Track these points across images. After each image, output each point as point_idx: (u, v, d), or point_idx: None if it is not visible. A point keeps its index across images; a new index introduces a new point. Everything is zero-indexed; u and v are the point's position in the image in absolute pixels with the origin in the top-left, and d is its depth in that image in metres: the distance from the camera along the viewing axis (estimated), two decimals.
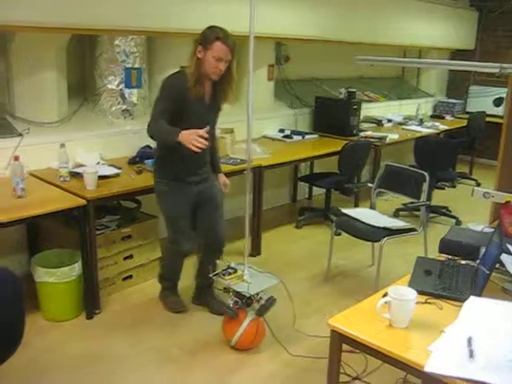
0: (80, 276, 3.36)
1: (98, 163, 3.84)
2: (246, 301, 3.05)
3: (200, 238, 3.44)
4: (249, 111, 3.01)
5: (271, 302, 3.07)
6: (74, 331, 3.29)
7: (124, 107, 4.26)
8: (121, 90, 4.20)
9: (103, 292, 3.59)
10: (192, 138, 2.79)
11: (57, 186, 3.43)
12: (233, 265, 3.21)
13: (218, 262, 3.37)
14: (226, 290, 3.12)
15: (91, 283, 3.39)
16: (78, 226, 3.27)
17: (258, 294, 3.07)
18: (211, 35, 2.96)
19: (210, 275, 3.17)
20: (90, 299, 3.42)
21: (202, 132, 2.82)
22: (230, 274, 3.14)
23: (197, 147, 2.79)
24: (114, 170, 3.69)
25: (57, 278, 3.28)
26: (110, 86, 4.16)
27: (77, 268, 3.34)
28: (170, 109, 2.98)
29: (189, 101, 3.00)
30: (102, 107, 4.22)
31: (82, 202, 3.20)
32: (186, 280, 3.62)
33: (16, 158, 3.18)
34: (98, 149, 4.01)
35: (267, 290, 3.11)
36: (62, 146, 3.47)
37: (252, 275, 3.16)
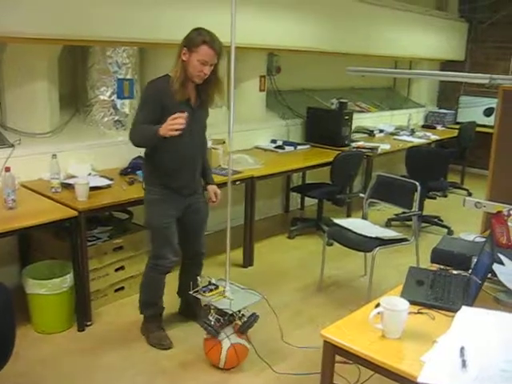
0: (71, 287, 3.34)
1: (90, 174, 3.83)
2: (228, 318, 2.96)
3: (182, 251, 3.36)
4: (230, 122, 2.97)
5: (254, 318, 3.00)
6: (66, 343, 3.26)
7: (116, 118, 4.26)
8: (113, 100, 4.20)
9: (95, 304, 3.57)
10: (169, 124, 2.77)
11: (48, 197, 3.41)
12: (213, 281, 3.11)
13: (198, 278, 3.18)
14: (207, 307, 3.01)
15: (83, 295, 3.37)
16: (70, 238, 3.25)
17: (240, 311, 2.99)
18: (197, 38, 2.88)
19: (190, 292, 3.06)
20: (81, 311, 3.39)
21: (177, 115, 2.77)
22: (210, 290, 3.03)
23: (176, 129, 2.76)
24: (106, 181, 3.68)
25: (48, 289, 3.26)
26: (102, 97, 4.16)
27: (68, 279, 3.32)
28: (153, 114, 2.91)
29: (172, 105, 2.90)
30: (94, 118, 4.21)
31: (74, 213, 3.18)
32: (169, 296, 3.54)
33: (7, 169, 3.17)
34: (89, 160, 4.00)
35: (250, 306, 3.03)
36: (54, 156, 3.46)
37: (234, 291, 3.06)
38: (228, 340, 2.93)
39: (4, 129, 3.78)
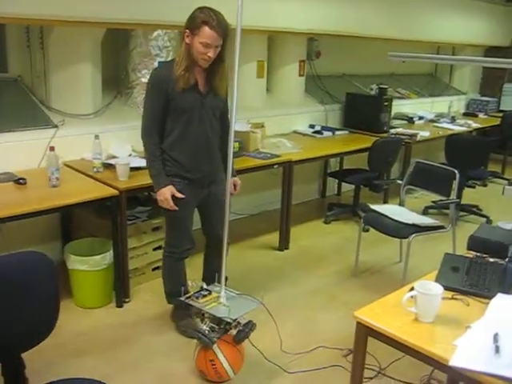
0: (111, 265, 3.44)
1: (130, 155, 3.91)
2: (224, 326, 2.70)
3: (205, 237, 3.31)
4: (233, 110, 2.69)
5: (251, 327, 2.73)
6: (105, 318, 3.37)
7: None
8: None
9: (133, 281, 3.67)
10: (163, 198, 2.92)
11: (90, 176, 3.51)
12: (205, 286, 2.90)
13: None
14: (200, 314, 2.75)
15: (121, 272, 3.46)
16: (110, 216, 3.34)
17: (235, 319, 2.71)
18: (198, 19, 2.70)
19: (181, 298, 2.82)
20: (120, 288, 3.49)
21: (177, 194, 2.92)
22: (204, 296, 2.79)
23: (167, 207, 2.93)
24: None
25: (89, 266, 3.36)
26: (143, 80, 4.22)
27: (108, 257, 3.42)
28: (159, 104, 2.83)
29: (178, 91, 2.79)
30: (135, 100, 4.28)
31: (115, 192, 3.26)
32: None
33: (51, 149, 3.27)
34: (130, 141, 4.07)
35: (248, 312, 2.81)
36: (96, 137, 3.55)
37: (229, 298, 2.82)
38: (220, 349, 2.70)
39: (48, 109, 3.88)
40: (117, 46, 4.31)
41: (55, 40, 3.77)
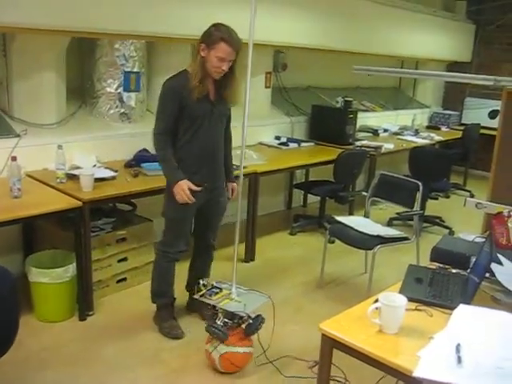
0: (74, 277, 3.38)
1: (95, 166, 3.86)
2: (237, 321, 2.92)
3: (195, 242, 3.46)
4: (245, 118, 3.02)
5: (260, 320, 2.95)
6: (67, 332, 3.30)
7: (122, 111, 4.29)
8: (119, 93, 4.23)
9: (97, 294, 3.60)
10: (181, 192, 3.02)
11: (53, 187, 3.45)
12: (216, 284, 3.11)
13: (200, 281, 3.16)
14: (214, 310, 2.96)
15: (85, 285, 3.40)
16: (74, 228, 3.29)
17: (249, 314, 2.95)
18: (216, 35, 2.92)
19: (196, 296, 3.04)
20: (83, 301, 3.43)
21: (193, 187, 3.04)
22: (216, 293, 3.03)
23: (183, 199, 3.02)
24: (111, 173, 3.71)
25: (51, 278, 3.30)
26: (108, 90, 4.19)
27: (71, 269, 3.36)
28: (173, 113, 2.99)
29: (192, 100, 2.97)
30: (100, 110, 4.25)
31: (78, 203, 3.21)
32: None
33: (13, 159, 3.20)
34: (94, 151, 4.03)
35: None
36: (60, 147, 3.49)
37: (239, 294, 3.06)
38: (217, 352, 2.89)
39: (11, 119, 3.81)
40: (82, 55, 4.27)
41: (18, 48, 3.70)
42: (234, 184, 3.41)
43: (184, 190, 3.02)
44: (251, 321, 2.92)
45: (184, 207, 3.11)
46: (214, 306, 2.95)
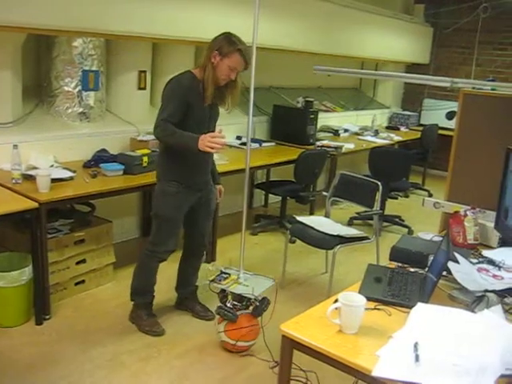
0: (30, 280, 3.30)
1: (52, 166, 3.77)
2: (246, 303, 3.14)
3: (186, 242, 3.51)
4: (249, 117, 3.19)
5: (267, 302, 3.16)
6: (23, 337, 3.22)
7: (80, 110, 4.21)
8: (78, 92, 4.15)
9: (54, 297, 3.53)
10: (207, 141, 2.87)
11: (8, 188, 3.36)
12: (223, 269, 3.29)
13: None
14: (224, 294, 3.17)
15: (41, 288, 3.33)
16: (30, 230, 3.21)
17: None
18: (232, 46, 2.98)
19: (207, 282, 3.21)
20: (39, 304, 3.35)
21: (217, 133, 2.93)
22: (225, 278, 3.22)
23: (213, 148, 2.89)
24: (68, 174, 3.63)
25: (6, 282, 3.21)
26: (66, 88, 4.10)
27: (27, 272, 3.28)
28: (180, 111, 2.98)
29: (197, 103, 3.02)
30: (58, 109, 4.16)
31: (34, 204, 3.14)
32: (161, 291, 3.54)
33: None
34: (52, 151, 3.94)
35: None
36: (15, 147, 3.40)
37: (246, 278, 3.25)
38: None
39: None
40: (39, 52, 4.17)
41: None
42: (221, 186, 3.57)
43: (209, 139, 2.87)
44: (258, 303, 3.13)
45: (177, 206, 3.18)
46: (224, 290, 3.17)
